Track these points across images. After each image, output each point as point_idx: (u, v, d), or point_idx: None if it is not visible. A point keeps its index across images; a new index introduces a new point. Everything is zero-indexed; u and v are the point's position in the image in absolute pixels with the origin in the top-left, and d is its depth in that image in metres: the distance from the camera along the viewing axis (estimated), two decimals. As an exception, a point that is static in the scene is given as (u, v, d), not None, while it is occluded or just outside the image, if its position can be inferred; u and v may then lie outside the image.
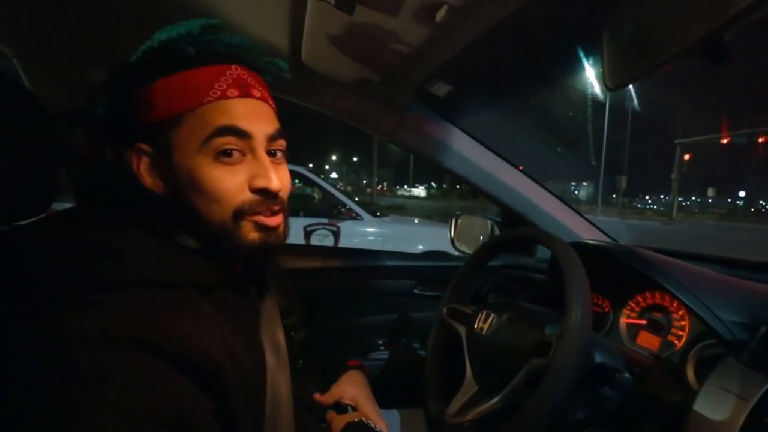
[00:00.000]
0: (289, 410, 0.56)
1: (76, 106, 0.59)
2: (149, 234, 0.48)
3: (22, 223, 0.59)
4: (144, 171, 0.50)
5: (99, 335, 0.38)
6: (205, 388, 0.42)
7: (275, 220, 0.51)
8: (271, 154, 0.52)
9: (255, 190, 0.49)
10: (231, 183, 0.48)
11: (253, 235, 0.49)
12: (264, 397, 0.52)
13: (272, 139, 0.51)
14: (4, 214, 0.62)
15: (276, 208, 0.50)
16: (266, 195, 0.49)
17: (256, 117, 0.49)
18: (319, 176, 4.52)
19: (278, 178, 0.50)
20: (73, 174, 0.90)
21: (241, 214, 0.48)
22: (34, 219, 0.57)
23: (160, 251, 0.47)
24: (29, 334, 0.38)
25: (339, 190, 4.32)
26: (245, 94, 0.49)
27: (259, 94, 0.50)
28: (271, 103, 0.53)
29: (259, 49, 0.54)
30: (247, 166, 0.49)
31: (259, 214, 0.49)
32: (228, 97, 0.48)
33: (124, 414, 0.37)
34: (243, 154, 0.49)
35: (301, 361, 0.66)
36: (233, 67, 0.49)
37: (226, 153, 0.47)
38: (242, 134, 0.48)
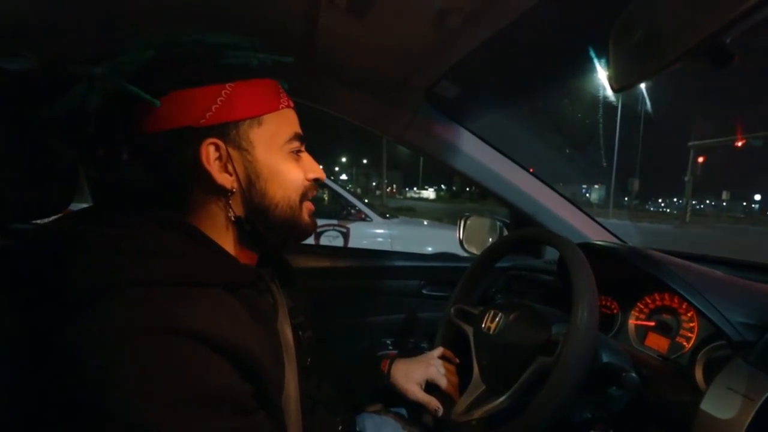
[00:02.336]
0: (297, 407, 0.58)
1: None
2: (179, 234, 0.50)
3: (41, 221, 0.61)
4: (216, 165, 0.52)
5: (149, 327, 0.40)
6: (247, 376, 0.45)
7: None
8: None
9: (312, 180, 0.60)
10: (299, 175, 0.59)
11: (307, 219, 0.61)
12: (282, 392, 0.55)
13: None
14: (24, 212, 0.64)
15: (315, 194, 0.63)
16: (317, 183, 0.62)
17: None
18: (329, 178, 4.53)
19: None
20: (91, 173, 0.92)
21: (302, 199, 0.59)
22: (54, 217, 0.59)
23: (191, 251, 0.49)
24: (74, 331, 0.40)
25: (348, 191, 4.34)
26: (294, 106, 0.61)
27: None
28: None
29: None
30: (302, 162, 0.60)
31: (308, 199, 0.61)
32: (290, 107, 0.59)
33: (181, 398, 0.39)
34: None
35: (309, 360, 0.67)
36: (275, 81, 0.58)
37: (298, 151, 0.59)
38: (303, 140, 0.60)
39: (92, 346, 0.39)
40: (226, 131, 0.52)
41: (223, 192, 0.53)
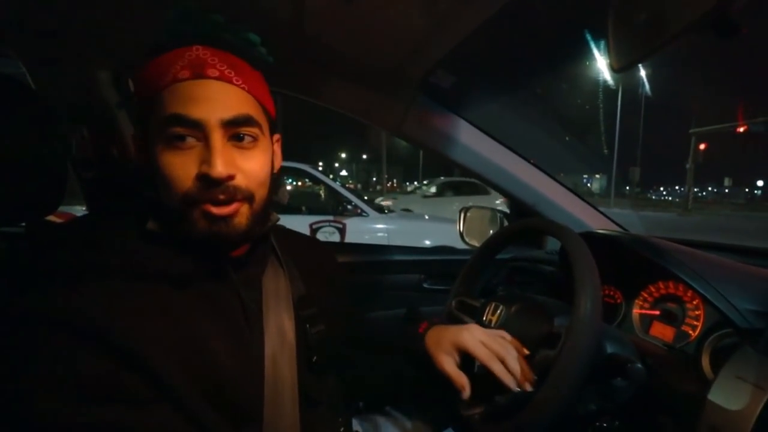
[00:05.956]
0: (293, 399, 0.56)
1: (79, 105, 0.60)
2: (122, 227, 0.50)
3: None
4: (138, 158, 0.52)
5: (23, 314, 0.41)
6: (137, 373, 0.43)
7: (223, 210, 0.49)
8: (238, 138, 0.50)
9: (198, 177, 0.47)
10: (181, 170, 0.47)
11: (201, 224, 0.48)
12: (260, 384, 0.53)
13: (233, 124, 0.49)
14: (12, 214, 0.63)
15: (221, 197, 0.48)
16: (209, 182, 0.47)
17: (211, 100, 0.47)
18: (329, 175, 4.51)
19: (228, 165, 0.47)
20: (82, 174, 0.91)
21: (188, 201, 0.47)
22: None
23: (123, 243, 0.48)
24: None
25: (348, 187, 4.32)
26: (198, 74, 0.47)
27: (216, 74, 0.48)
28: (238, 82, 0.50)
29: (232, 26, 0.51)
30: (199, 152, 0.47)
31: (205, 202, 0.48)
32: (179, 80, 0.47)
33: (29, 388, 0.39)
34: (198, 139, 0.48)
35: (315, 357, 0.62)
36: (194, 48, 0.48)
37: (179, 138, 0.47)
38: (191, 123, 0.47)
39: None
40: (139, 116, 0.51)
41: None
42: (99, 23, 0.81)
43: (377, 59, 0.87)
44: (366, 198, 4.49)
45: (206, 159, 0.47)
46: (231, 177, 0.48)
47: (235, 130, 0.49)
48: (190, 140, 0.47)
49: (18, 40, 0.85)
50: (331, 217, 3.84)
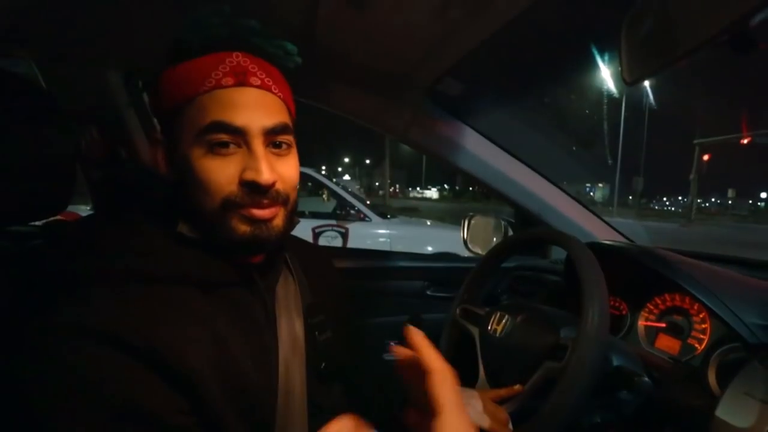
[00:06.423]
0: (302, 404, 0.56)
1: (89, 106, 0.60)
2: (151, 230, 0.49)
3: (37, 223, 0.61)
4: (160, 160, 0.52)
5: (64, 329, 0.40)
6: (176, 385, 0.42)
7: (265, 213, 0.49)
8: (275, 145, 0.51)
9: (244, 183, 0.47)
10: (222, 175, 0.47)
11: (243, 228, 0.49)
12: (275, 392, 0.53)
13: (273, 132, 0.49)
14: (20, 214, 0.63)
15: (265, 201, 0.49)
16: (255, 188, 0.48)
17: (254, 108, 0.48)
18: (332, 179, 4.53)
19: (271, 171, 0.48)
20: (89, 175, 0.91)
21: (229, 206, 0.48)
22: (50, 219, 0.58)
23: (159, 248, 0.48)
24: (21, 331, 0.40)
25: (349, 192, 4.33)
26: (241, 82, 0.48)
27: (258, 82, 0.49)
28: (276, 91, 0.51)
29: (268, 33, 0.52)
30: (241, 158, 0.48)
31: (248, 206, 0.48)
32: (223, 86, 0.47)
33: (74, 403, 0.38)
34: (238, 145, 0.48)
35: (324, 364, 0.62)
36: (235, 54, 0.48)
37: (221, 144, 0.47)
38: (234, 130, 0.47)
39: (18, 344, 0.40)
40: (164, 123, 0.51)
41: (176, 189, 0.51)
42: (109, 24, 0.81)
43: (386, 66, 0.88)
44: (369, 203, 4.49)
45: (249, 165, 0.47)
46: (274, 183, 0.49)
47: (274, 137, 0.50)
48: (232, 147, 0.48)
49: (29, 40, 0.85)
50: (334, 222, 3.84)
